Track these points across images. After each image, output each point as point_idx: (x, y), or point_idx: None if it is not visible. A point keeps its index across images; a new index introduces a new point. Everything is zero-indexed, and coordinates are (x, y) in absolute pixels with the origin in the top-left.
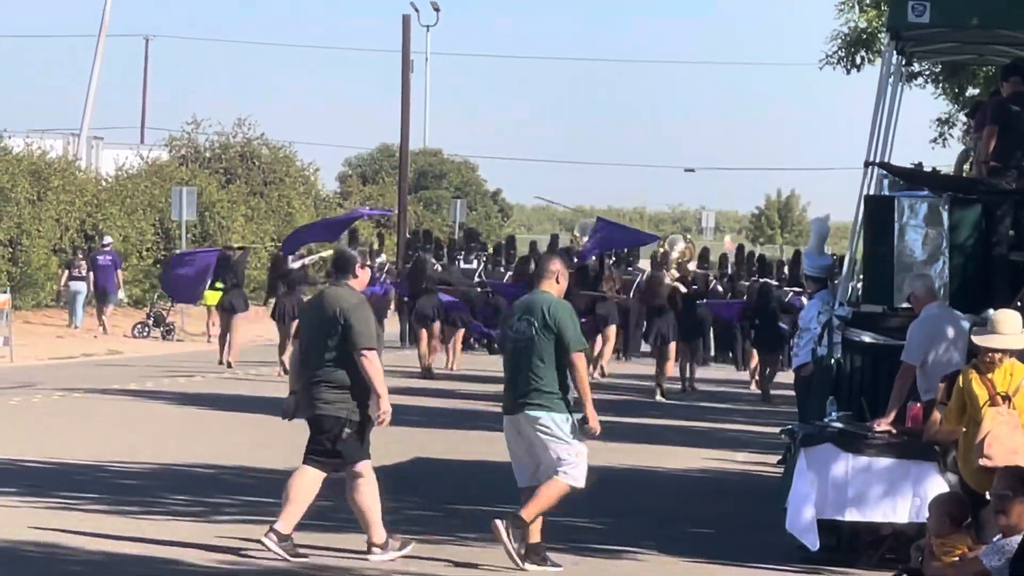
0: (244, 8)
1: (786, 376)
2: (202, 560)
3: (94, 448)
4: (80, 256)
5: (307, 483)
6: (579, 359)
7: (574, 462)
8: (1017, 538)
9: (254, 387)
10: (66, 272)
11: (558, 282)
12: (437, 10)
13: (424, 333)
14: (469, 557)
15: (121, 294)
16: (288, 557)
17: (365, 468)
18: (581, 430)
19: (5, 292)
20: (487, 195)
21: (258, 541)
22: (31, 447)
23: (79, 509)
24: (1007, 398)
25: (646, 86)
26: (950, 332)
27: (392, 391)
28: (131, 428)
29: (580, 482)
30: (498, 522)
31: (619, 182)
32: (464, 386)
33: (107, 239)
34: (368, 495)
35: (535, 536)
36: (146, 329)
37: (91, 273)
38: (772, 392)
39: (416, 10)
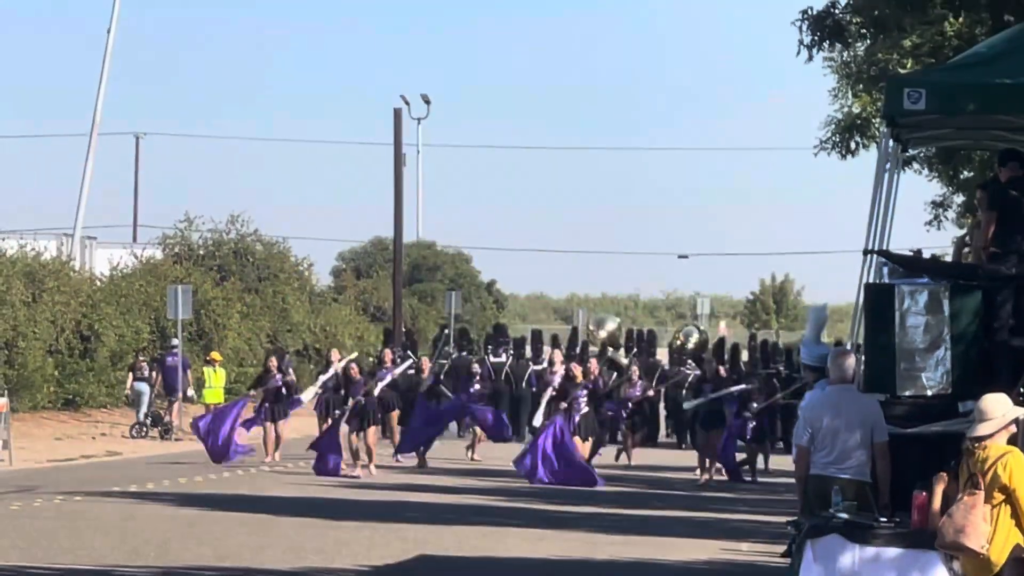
0: (235, 104)
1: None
2: None
3: (98, 553)
4: (142, 358)
5: None
6: None
7: None
8: None
9: (254, 486)
10: (131, 375)
11: None
12: (427, 103)
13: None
14: None
15: (191, 391)
16: None
17: None
18: None
19: (2, 395)
20: (482, 286)
21: None
22: (35, 553)
23: None
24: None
25: (638, 173)
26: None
27: (393, 487)
28: (134, 531)
29: None
30: None
31: (613, 270)
32: (467, 481)
33: (175, 341)
34: None
35: None
36: (144, 429)
37: (159, 374)
38: (773, 480)
39: (407, 103)
